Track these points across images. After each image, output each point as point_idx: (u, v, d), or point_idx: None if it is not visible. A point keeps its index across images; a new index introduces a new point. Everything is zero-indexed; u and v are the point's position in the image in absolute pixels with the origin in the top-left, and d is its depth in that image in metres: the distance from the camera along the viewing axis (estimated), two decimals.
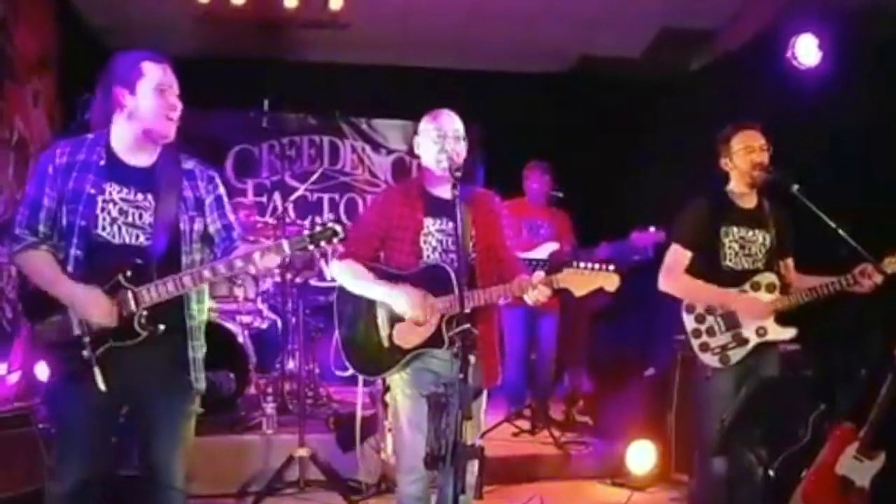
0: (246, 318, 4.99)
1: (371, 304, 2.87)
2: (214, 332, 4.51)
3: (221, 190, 2.65)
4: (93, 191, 2.42)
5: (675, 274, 3.39)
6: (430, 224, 2.86)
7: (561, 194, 5.07)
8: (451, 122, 2.89)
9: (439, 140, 2.83)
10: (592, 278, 2.71)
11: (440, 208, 2.85)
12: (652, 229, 4.80)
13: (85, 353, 2.37)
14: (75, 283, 2.38)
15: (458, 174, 2.70)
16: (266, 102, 4.65)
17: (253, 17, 5.79)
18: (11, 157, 4.98)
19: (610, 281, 2.71)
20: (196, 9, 5.65)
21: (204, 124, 6.62)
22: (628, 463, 4.41)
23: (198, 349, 2.55)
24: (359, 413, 3.43)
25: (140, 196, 2.46)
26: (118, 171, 2.47)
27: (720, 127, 3.51)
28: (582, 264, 2.72)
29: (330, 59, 6.46)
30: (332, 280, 3.16)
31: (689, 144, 5.41)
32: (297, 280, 4.91)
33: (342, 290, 2.94)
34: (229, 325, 4.70)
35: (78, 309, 2.37)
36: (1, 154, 4.84)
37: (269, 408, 4.35)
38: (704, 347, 3.33)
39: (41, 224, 2.44)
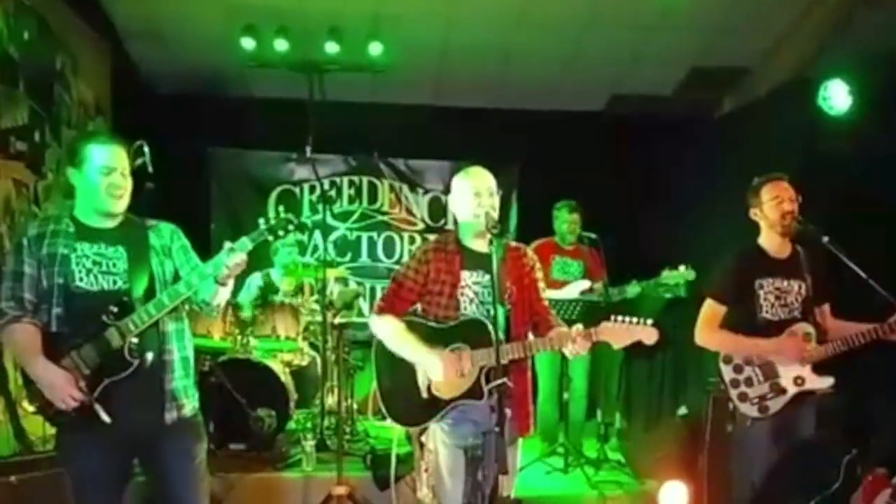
0: (287, 356, 5.15)
1: None
2: (256, 370, 4.73)
3: (185, 240, 2.86)
4: (66, 251, 2.61)
5: (710, 329, 3.44)
6: (468, 277, 2.97)
7: (594, 236, 5.12)
8: (486, 180, 3.00)
9: (475, 198, 2.95)
10: (631, 332, 2.80)
11: (476, 262, 2.96)
12: (682, 268, 4.85)
13: (84, 398, 2.54)
14: (44, 366, 2.54)
15: (496, 230, 2.83)
16: (308, 149, 4.80)
17: (295, 62, 6.02)
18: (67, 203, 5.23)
19: (648, 334, 2.80)
20: (241, 54, 5.88)
21: (248, 165, 6.91)
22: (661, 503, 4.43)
23: (173, 381, 2.69)
24: (394, 455, 3.56)
25: (111, 249, 2.67)
26: (86, 233, 2.67)
27: (751, 169, 3.58)
28: (620, 318, 2.82)
29: (369, 100, 6.65)
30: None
31: (720, 185, 5.48)
32: (337, 320, 5.05)
33: (381, 343, 3.05)
34: (270, 363, 4.84)
35: (45, 390, 2.54)
36: (56, 201, 5.07)
37: (308, 445, 4.47)
38: (743, 397, 3.37)
39: (25, 293, 2.61)
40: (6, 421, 4.28)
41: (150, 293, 2.65)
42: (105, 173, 2.62)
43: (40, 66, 4.95)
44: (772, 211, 3.42)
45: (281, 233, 2.66)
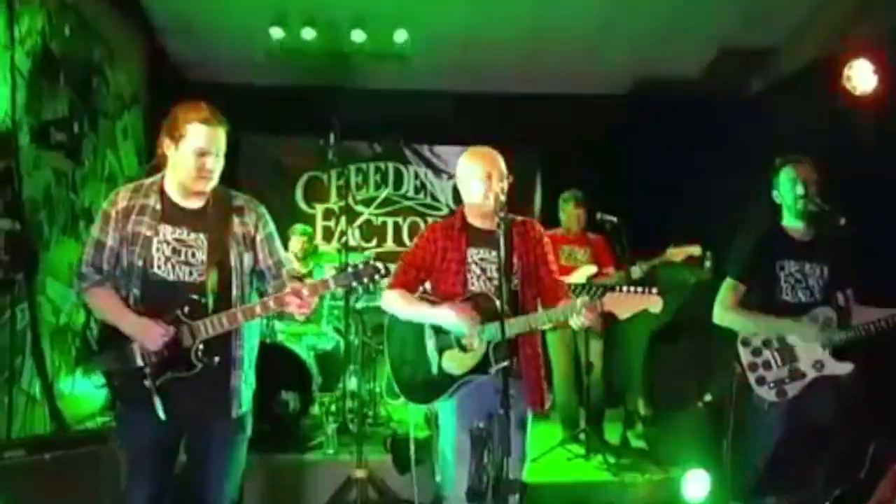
0: (311, 340, 5.25)
1: (420, 334, 3.04)
2: (281, 354, 4.82)
3: (272, 226, 2.83)
4: (149, 233, 2.62)
5: (728, 307, 3.42)
6: (474, 254, 3.02)
7: (615, 219, 5.07)
8: (496, 163, 3.02)
9: (485, 181, 2.97)
10: (636, 301, 2.81)
11: (482, 239, 3.01)
12: (709, 254, 4.80)
13: (146, 382, 2.57)
14: (136, 315, 2.58)
15: (503, 214, 2.84)
16: (332, 136, 4.86)
17: (323, 50, 6.09)
18: (103, 189, 5.41)
19: (653, 302, 2.80)
20: (270, 42, 5.97)
21: (276, 152, 7.03)
22: (684, 491, 4.40)
23: (240, 378, 2.71)
24: (412, 437, 3.63)
25: (192, 235, 2.65)
26: (172, 214, 2.66)
27: (779, 150, 3.54)
28: (625, 288, 2.83)
29: (395, 87, 6.69)
30: None
31: (749, 167, 5.38)
32: (360, 304, 5.12)
33: (392, 322, 3.13)
34: (295, 347, 4.94)
35: (138, 339, 2.57)
36: (93, 188, 5.25)
37: (330, 428, 4.57)
38: (761, 381, 3.35)
39: (105, 263, 2.66)
40: (43, 401, 4.46)
41: (224, 283, 2.65)
42: (200, 154, 2.58)
43: (79, 60, 5.12)
44: (787, 193, 3.40)
45: (366, 279, 2.62)
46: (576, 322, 2.85)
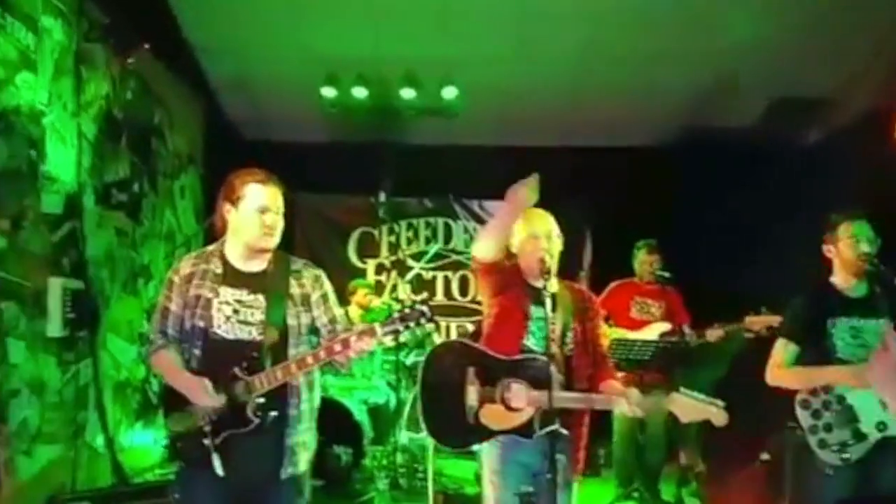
0: (363, 394, 5.29)
1: (463, 378, 2.95)
2: (332, 407, 4.84)
3: (327, 286, 2.86)
4: (210, 294, 2.69)
5: (780, 368, 3.33)
6: (533, 312, 3.01)
7: (668, 274, 5.02)
8: (545, 223, 3.06)
9: (532, 241, 3.01)
10: (701, 410, 2.74)
11: (539, 298, 2.96)
12: (764, 310, 4.69)
13: (206, 441, 2.61)
14: (189, 375, 2.65)
15: (548, 275, 2.87)
16: (382, 195, 4.96)
17: (373, 107, 6.25)
18: (162, 247, 5.61)
19: (718, 417, 2.72)
20: (323, 101, 6.16)
21: (329, 208, 7.19)
22: None
23: (293, 437, 2.70)
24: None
25: (251, 297, 2.71)
26: (232, 276, 2.73)
27: (836, 203, 3.47)
28: (692, 393, 2.77)
29: (444, 143, 6.80)
30: None
31: (804, 219, 5.29)
32: (410, 359, 5.16)
33: (434, 357, 3.07)
34: (346, 401, 4.98)
35: (190, 396, 2.63)
36: (152, 245, 5.44)
37: (382, 483, 4.58)
38: (823, 444, 3.21)
39: (170, 328, 2.74)
40: (105, 454, 4.58)
41: (281, 342, 2.68)
42: (261, 212, 2.66)
43: (140, 123, 5.36)
44: (848, 249, 3.29)
45: (412, 324, 2.63)
46: (626, 409, 2.83)
